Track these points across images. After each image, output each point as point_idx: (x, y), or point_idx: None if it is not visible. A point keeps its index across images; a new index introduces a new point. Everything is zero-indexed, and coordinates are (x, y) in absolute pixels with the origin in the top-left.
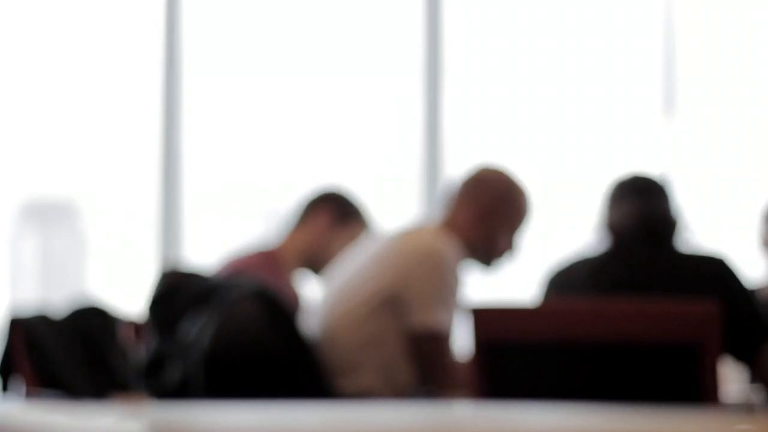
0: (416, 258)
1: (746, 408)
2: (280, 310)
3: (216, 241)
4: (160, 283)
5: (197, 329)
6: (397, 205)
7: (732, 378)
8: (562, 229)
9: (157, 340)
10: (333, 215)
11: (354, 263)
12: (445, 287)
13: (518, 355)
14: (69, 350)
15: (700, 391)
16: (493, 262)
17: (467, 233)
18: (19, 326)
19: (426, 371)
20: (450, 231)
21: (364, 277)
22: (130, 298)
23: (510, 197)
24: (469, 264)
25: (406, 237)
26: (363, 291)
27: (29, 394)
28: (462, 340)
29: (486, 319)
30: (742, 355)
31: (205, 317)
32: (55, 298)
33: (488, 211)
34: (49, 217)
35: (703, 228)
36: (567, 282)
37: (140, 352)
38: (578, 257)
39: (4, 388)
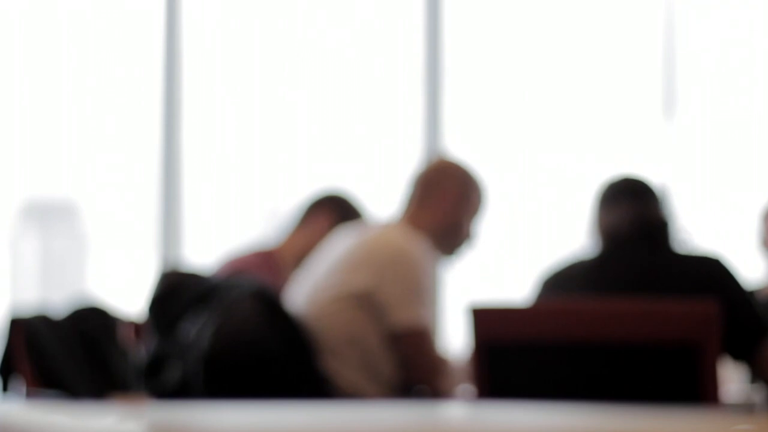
0: (387, 260)
1: (746, 408)
2: (279, 309)
3: (216, 241)
4: (160, 283)
5: (197, 329)
6: (397, 205)
7: (732, 378)
8: (562, 229)
9: (157, 340)
10: (333, 217)
11: (327, 261)
12: (419, 284)
13: (518, 355)
14: (69, 350)
15: (700, 391)
16: (456, 251)
17: (433, 224)
18: (19, 326)
19: (414, 368)
20: (415, 224)
21: (335, 279)
22: (130, 298)
23: (471, 186)
24: (436, 257)
25: (377, 237)
26: (336, 291)
27: (29, 394)
28: (461, 340)
29: (486, 319)
30: (741, 355)
31: (205, 317)
32: (55, 298)
33: (453, 200)
34: (49, 217)
35: (703, 228)
36: (562, 284)
37: (140, 352)
38: (573, 259)
39: (4, 388)
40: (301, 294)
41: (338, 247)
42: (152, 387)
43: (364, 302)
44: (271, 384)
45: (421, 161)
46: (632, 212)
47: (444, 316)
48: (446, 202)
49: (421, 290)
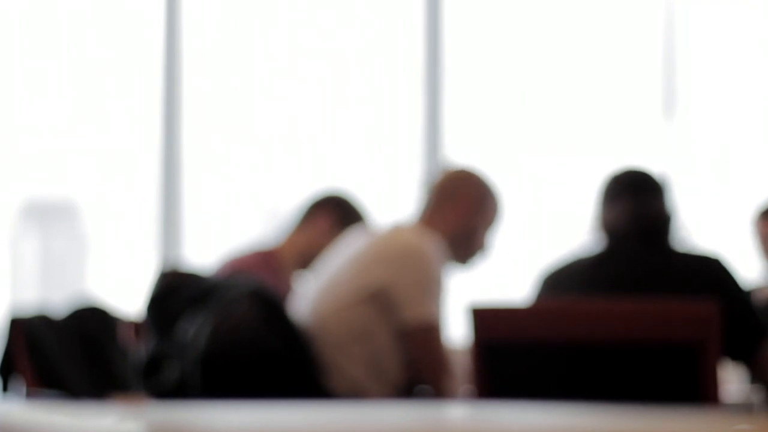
0: (401, 256)
1: (746, 408)
2: (277, 309)
3: (216, 241)
4: (159, 283)
5: (195, 329)
6: (397, 205)
7: (732, 378)
8: (562, 229)
9: (155, 339)
10: (334, 218)
11: (338, 260)
12: (432, 282)
13: (518, 355)
14: (69, 350)
15: (700, 391)
16: (469, 260)
17: (447, 231)
18: (19, 326)
19: (421, 365)
20: (431, 228)
21: (348, 276)
22: (130, 298)
23: (487, 197)
24: (448, 261)
25: (390, 236)
26: (348, 288)
27: (29, 394)
28: (460, 339)
29: (486, 319)
30: (740, 355)
31: (203, 317)
32: (55, 298)
33: (468, 209)
34: (49, 217)
35: (703, 228)
36: (562, 282)
37: (140, 351)
38: (573, 258)
39: (4, 388)
40: (310, 295)
41: (348, 248)
42: (150, 387)
43: (377, 299)
44: (268, 383)
45: (421, 160)
46: (632, 208)
47: (446, 316)
48: (462, 211)
49: (434, 288)
